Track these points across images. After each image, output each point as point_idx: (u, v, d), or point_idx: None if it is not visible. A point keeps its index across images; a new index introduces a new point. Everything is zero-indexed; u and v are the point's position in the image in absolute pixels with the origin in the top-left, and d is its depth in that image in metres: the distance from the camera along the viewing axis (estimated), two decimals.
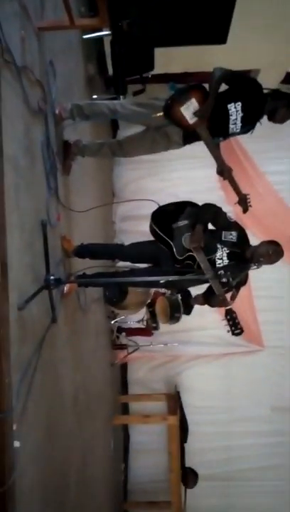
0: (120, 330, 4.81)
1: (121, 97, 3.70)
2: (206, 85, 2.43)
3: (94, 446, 3.29)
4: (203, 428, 4.97)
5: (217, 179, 4.73)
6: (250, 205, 2.64)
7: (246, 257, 2.44)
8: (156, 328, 4.33)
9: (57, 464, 2.20)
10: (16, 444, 1.54)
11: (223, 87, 2.46)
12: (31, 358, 1.79)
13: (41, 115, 2.14)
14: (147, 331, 4.61)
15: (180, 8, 1.98)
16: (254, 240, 2.59)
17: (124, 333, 4.81)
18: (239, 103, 2.41)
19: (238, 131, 2.51)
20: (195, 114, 2.38)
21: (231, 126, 2.48)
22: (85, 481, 2.84)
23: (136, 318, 4.58)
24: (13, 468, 1.50)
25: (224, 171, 2.53)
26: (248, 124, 2.50)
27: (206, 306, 2.68)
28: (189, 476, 4.67)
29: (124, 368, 5.23)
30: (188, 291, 3.28)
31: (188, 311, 3.53)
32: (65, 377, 2.43)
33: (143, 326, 4.61)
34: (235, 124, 2.47)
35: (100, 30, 3.47)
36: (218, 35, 2.16)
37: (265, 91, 2.47)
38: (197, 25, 2.08)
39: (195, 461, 4.86)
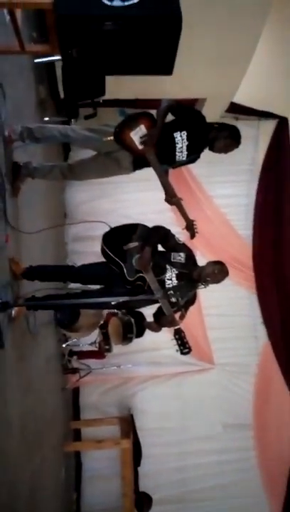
0: (72, 353, 4.71)
1: (72, 120, 3.75)
2: (154, 113, 2.55)
3: (44, 476, 3.16)
4: (156, 450, 4.93)
5: None
6: (197, 232, 2.76)
7: (194, 277, 2.53)
8: (109, 350, 4.29)
9: (3, 497, 2.09)
10: None
11: (170, 117, 2.59)
12: None
13: None
14: (100, 354, 4.55)
15: (127, 40, 2.06)
16: (202, 261, 2.69)
17: (75, 357, 4.72)
18: (185, 132, 2.55)
19: (184, 159, 2.63)
20: (142, 138, 2.47)
21: (177, 154, 2.60)
22: None
23: (88, 340, 4.52)
24: None
25: (171, 197, 2.62)
26: (193, 153, 2.64)
27: None
28: (143, 501, 4.58)
29: (75, 392, 5.10)
30: (141, 313, 3.31)
31: (140, 333, 3.55)
32: (13, 404, 2.34)
33: (95, 349, 4.55)
34: (181, 152, 2.60)
35: (51, 55, 3.52)
36: (164, 67, 2.26)
37: (211, 122, 2.63)
38: (144, 56, 2.17)
39: (149, 484, 4.79)
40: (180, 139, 2.54)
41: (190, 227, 2.73)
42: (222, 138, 2.59)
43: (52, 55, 3.44)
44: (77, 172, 2.79)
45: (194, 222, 2.73)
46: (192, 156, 2.64)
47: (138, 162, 2.63)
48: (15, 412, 2.38)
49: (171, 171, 2.79)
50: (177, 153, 2.58)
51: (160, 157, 2.55)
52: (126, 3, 1.93)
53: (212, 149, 2.65)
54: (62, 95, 3.97)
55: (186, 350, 2.26)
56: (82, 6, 1.94)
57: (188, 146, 2.56)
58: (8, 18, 2.29)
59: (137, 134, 2.49)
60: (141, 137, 2.49)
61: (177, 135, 2.53)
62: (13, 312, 2.37)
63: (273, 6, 3.51)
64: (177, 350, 2.28)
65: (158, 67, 2.29)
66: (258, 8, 3.52)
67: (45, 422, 3.24)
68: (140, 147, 2.51)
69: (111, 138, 2.51)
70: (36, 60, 3.60)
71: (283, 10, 3.58)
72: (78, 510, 4.96)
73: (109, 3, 1.92)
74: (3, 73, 2.44)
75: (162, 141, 2.51)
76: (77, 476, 4.99)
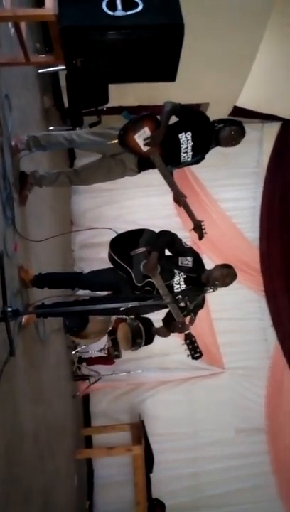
0: (81, 360, 4.71)
1: (77, 128, 3.79)
2: (158, 117, 2.57)
3: (57, 484, 3.15)
4: (168, 456, 4.90)
5: (174, 206, 4.93)
6: (205, 232, 2.75)
7: (202, 281, 2.53)
8: (118, 356, 4.29)
9: (17, 506, 2.09)
10: None
11: (174, 119, 2.61)
12: None
13: None
14: (109, 360, 4.55)
15: (131, 49, 2.09)
16: (209, 264, 2.69)
17: (85, 363, 4.72)
18: (189, 133, 2.57)
19: (189, 159, 2.64)
20: (146, 140, 2.49)
21: (182, 154, 2.62)
22: None
23: (97, 347, 4.53)
24: None
25: (179, 198, 2.64)
26: (198, 153, 2.65)
27: None
28: (156, 508, 4.55)
29: (86, 399, 5.09)
30: (150, 320, 3.31)
31: (148, 340, 3.54)
32: (25, 412, 2.35)
33: (104, 355, 4.55)
34: (186, 152, 2.61)
35: (55, 65, 3.56)
36: (167, 73, 2.28)
37: (214, 121, 2.65)
38: (148, 63, 2.20)
39: (161, 491, 4.75)
40: (185, 139, 2.55)
41: (198, 228, 2.73)
42: (227, 127, 2.59)
43: (56, 65, 3.50)
44: (84, 176, 2.81)
45: (202, 223, 2.73)
46: (197, 156, 2.65)
47: (144, 163, 2.65)
48: (27, 420, 2.39)
49: (175, 173, 2.80)
50: (182, 153, 2.59)
51: (165, 158, 2.57)
52: (129, 13, 1.95)
53: (219, 143, 2.64)
54: (66, 104, 4.02)
55: (197, 354, 2.26)
56: (85, 17, 1.97)
57: (193, 146, 2.58)
58: (12, 30, 2.34)
59: (141, 137, 2.51)
60: (145, 139, 2.51)
61: (182, 136, 2.55)
62: (23, 320, 2.39)
63: (274, 9, 3.53)
64: (188, 355, 2.27)
65: (162, 74, 2.31)
66: (259, 12, 3.55)
67: (56, 430, 3.25)
68: (144, 149, 2.53)
69: (116, 141, 2.54)
70: (40, 71, 3.65)
71: (284, 12, 3.59)
72: None
73: (111, 13, 1.95)
74: (8, 84, 2.47)
75: (167, 142, 2.53)
76: (89, 484, 4.97)
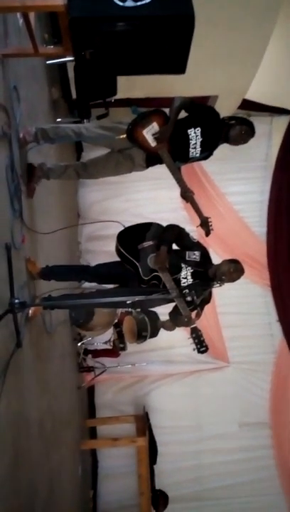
0: (86, 352, 4.74)
1: (85, 120, 3.77)
2: (167, 110, 2.55)
3: (62, 474, 3.19)
4: (172, 448, 4.94)
5: (181, 200, 4.92)
6: (212, 229, 2.73)
7: (209, 275, 2.52)
8: (124, 348, 4.31)
9: (23, 496, 2.12)
10: None
11: (183, 114, 2.59)
12: None
13: (5, 139, 2.15)
14: (114, 352, 4.58)
15: (140, 40, 2.07)
16: (216, 259, 2.68)
17: (90, 355, 4.75)
18: (199, 128, 2.55)
19: (197, 155, 2.63)
20: (155, 136, 2.48)
21: (191, 150, 2.60)
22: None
23: (103, 339, 4.55)
24: None
25: (186, 194, 2.62)
26: (207, 149, 2.63)
27: None
28: (159, 499, 4.60)
29: (91, 391, 5.14)
30: (155, 314, 3.32)
31: (154, 333, 3.54)
32: (31, 403, 2.37)
33: (110, 347, 4.58)
34: (195, 148, 2.60)
35: (64, 56, 3.54)
36: (177, 66, 2.26)
37: (224, 118, 2.62)
38: (157, 56, 2.18)
39: (165, 482, 4.79)
40: (194, 135, 2.54)
41: (205, 224, 2.71)
42: (237, 125, 2.57)
43: (65, 57, 3.47)
44: (92, 170, 2.80)
45: (209, 219, 2.71)
46: (206, 152, 2.63)
47: (152, 159, 2.64)
48: (33, 411, 2.42)
49: (183, 166, 2.79)
50: (190, 149, 2.58)
51: (173, 154, 2.55)
52: (139, 4, 1.93)
53: (228, 141, 2.62)
54: (74, 96, 3.99)
55: (203, 348, 2.26)
56: (94, 8, 1.95)
57: (201, 142, 2.56)
58: (21, 21, 2.32)
59: (150, 132, 2.50)
60: (153, 135, 2.50)
61: (191, 131, 2.53)
62: (30, 312, 2.40)
63: (284, 2, 3.47)
64: (194, 349, 2.28)
65: (171, 67, 2.29)
66: (269, 5, 3.49)
67: (61, 421, 3.28)
68: (153, 144, 2.52)
69: (124, 136, 2.53)
70: (48, 62, 3.63)
71: None
72: (95, 507, 5.00)
73: (121, 3, 1.92)
74: (17, 76, 2.46)
75: (176, 137, 2.52)
76: (93, 474, 5.03)
